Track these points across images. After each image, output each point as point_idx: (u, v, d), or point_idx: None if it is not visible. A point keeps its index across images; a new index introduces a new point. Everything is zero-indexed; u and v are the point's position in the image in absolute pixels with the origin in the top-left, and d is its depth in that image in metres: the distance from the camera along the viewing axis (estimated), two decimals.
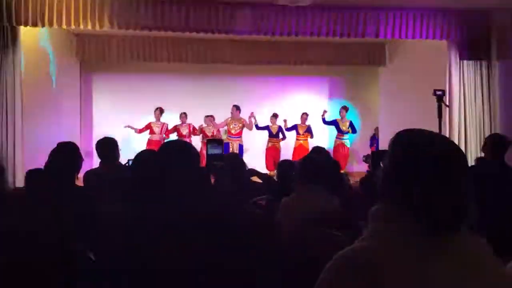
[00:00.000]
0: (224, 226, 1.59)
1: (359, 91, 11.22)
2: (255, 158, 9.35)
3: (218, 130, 9.89)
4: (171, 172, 1.80)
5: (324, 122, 9.99)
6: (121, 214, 2.11)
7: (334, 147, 9.95)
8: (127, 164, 4.69)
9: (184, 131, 9.73)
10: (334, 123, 10.05)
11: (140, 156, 2.78)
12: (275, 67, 10.22)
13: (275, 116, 10.14)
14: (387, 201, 1.19)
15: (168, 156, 1.87)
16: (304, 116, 10.14)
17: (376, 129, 10.77)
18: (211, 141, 3.81)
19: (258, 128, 9.90)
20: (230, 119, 9.80)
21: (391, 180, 1.19)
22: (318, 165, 3.23)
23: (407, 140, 1.21)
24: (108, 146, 3.99)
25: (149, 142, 9.44)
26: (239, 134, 9.76)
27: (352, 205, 3.65)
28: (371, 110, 10.92)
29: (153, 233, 1.56)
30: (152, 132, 9.60)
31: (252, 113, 9.74)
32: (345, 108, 10.08)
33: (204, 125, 9.85)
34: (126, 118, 10.33)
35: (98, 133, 9.39)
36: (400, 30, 7.32)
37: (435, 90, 5.83)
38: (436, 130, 5.67)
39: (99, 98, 10.69)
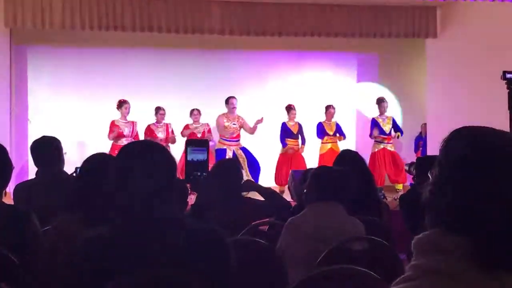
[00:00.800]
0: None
1: (399, 72, 11.23)
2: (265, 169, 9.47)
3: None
4: (126, 184, 1.85)
5: (371, 136, 10.00)
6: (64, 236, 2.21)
7: (372, 154, 9.91)
8: (74, 174, 4.68)
9: (160, 134, 9.75)
10: (373, 124, 10.03)
11: (91, 161, 2.80)
12: (284, 40, 10.22)
13: (291, 109, 10.09)
14: (438, 226, 1.18)
15: (128, 163, 1.90)
16: (331, 110, 10.19)
17: (423, 126, 10.78)
18: (192, 142, 3.81)
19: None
20: (226, 115, 9.79)
21: (445, 197, 1.18)
22: (334, 175, 3.27)
23: (473, 140, 1.20)
24: (48, 148, 3.98)
25: (113, 148, 9.23)
26: (238, 137, 9.82)
27: (387, 232, 3.66)
28: (415, 100, 10.93)
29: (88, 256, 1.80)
30: (120, 135, 9.46)
31: (262, 118, 9.67)
32: (383, 101, 10.04)
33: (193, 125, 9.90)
34: (73, 107, 10.35)
35: (35, 129, 9.40)
36: None
37: (505, 72, 5.84)
38: (506, 126, 5.68)
39: (36, 79, 10.69)
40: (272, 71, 11.18)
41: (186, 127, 9.88)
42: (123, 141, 9.17)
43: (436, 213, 1.20)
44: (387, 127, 9.92)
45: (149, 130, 9.74)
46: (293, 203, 4.62)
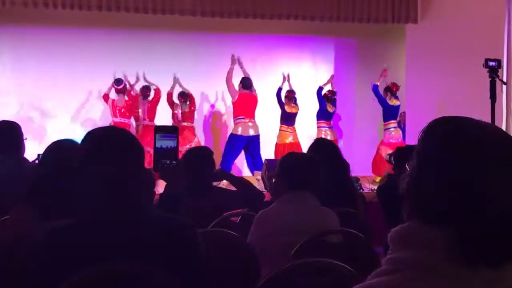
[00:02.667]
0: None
1: (377, 59, 11.29)
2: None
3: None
4: (89, 172, 1.85)
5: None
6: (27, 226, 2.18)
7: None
8: (36, 161, 4.64)
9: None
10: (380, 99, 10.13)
11: (53, 147, 2.77)
12: (260, 23, 10.20)
13: (291, 94, 10.20)
14: (416, 218, 1.19)
15: (92, 150, 1.89)
16: (329, 94, 10.40)
17: (402, 115, 10.86)
18: (161, 129, 3.79)
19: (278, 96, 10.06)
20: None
21: (423, 189, 1.19)
22: (302, 162, 3.23)
23: (453, 131, 1.21)
24: (7, 134, 3.95)
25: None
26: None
27: (364, 224, 3.69)
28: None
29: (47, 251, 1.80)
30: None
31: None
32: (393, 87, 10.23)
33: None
34: (34, 91, 10.24)
35: None
36: None
37: (487, 60, 5.90)
38: (487, 116, 5.74)
39: None
40: (244, 55, 11.16)
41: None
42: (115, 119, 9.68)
43: (413, 205, 1.21)
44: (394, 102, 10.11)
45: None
46: (267, 194, 4.64)
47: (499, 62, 6.03)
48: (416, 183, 1.21)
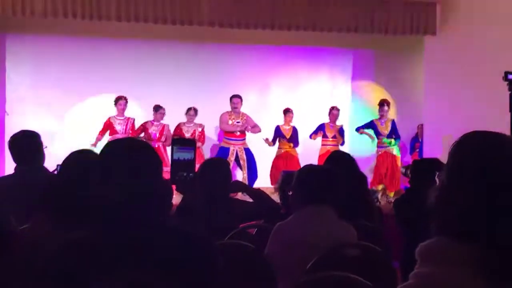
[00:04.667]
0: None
1: (395, 71, 11.26)
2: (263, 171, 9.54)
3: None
4: (108, 185, 1.85)
5: (358, 129, 10.19)
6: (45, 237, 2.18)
7: (378, 158, 10.05)
8: (55, 172, 4.66)
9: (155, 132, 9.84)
10: (371, 125, 10.12)
11: (72, 158, 2.80)
12: (275, 33, 10.21)
13: (288, 112, 10.26)
14: (444, 233, 1.19)
15: (111, 162, 1.89)
16: (335, 112, 10.35)
17: (420, 127, 10.81)
18: (179, 141, 3.81)
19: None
20: (230, 113, 9.88)
21: (454, 205, 1.19)
22: (320, 175, 3.22)
23: (487, 148, 1.20)
24: (27, 143, 3.97)
25: None
26: (243, 136, 9.91)
27: (381, 237, 3.67)
28: (412, 100, 10.97)
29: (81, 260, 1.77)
30: (113, 132, 9.63)
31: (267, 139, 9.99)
32: (386, 103, 10.14)
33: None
34: (53, 99, 10.31)
35: (13, 124, 9.36)
36: None
37: (507, 73, 5.86)
38: (506, 130, 5.71)
39: (15, 69, 10.64)
40: (263, 65, 11.20)
41: (178, 127, 9.94)
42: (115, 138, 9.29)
43: (443, 221, 1.20)
44: (385, 131, 10.00)
45: (143, 127, 9.88)
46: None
47: None
48: (446, 198, 1.21)
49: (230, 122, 9.83)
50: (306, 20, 9.78)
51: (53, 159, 4.85)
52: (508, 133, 5.62)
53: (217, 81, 10.78)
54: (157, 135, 9.71)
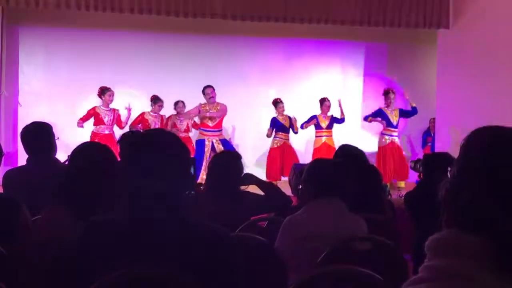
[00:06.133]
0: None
1: (407, 64, 11.21)
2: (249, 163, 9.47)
3: (195, 124, 10.01)
4: (136, 173, 1.83)
5: (366, 118, 10.13)
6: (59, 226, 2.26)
7: (380, 148, 9.99)
8: (67, 162, 4.68)
9: (153, 124, 9.83)
10: (380, 113, 10.08)
11: (82, 148, 2.82)
12: (285, 26, 10.20)
13: (278, 103, 10.16)
14: (454, 226, 1.19)
15: (139, 155, 1.87)
16: (327, 103, 10.25)
17: (432, 121, 10.76)
18: None
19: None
20: (204, 104, 9.82)
21: (464, 197, 1.19)
22: (330, 168, 3.22)
23: (496, 141, 1.20)
24: (39, 135, 3.98)
25: (93, 135, 9.42)
26: (219, 126, 9.86)
27: (392, 231, 3.67)
28: (424, 94, 10.92)
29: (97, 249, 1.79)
30: (98, 122, 9.58)
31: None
32: (391, 91, 10.08)
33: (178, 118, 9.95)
34: (66, 91, 10.36)
35: (26, 115, 9.41)
36: None
37: None
38: None
39: (28, 61, 10.70)
40: (273, 58, 11.19)
41: (140, 117, 9.94)
42: (103, 129, 9.48)
43: (454, 213, 1.20)
44: (395, 120, 9.95)
45: (141, 118, 9.88)
46: (294, 198, 4.63)
47: None
48: (456, 189, 1.21)
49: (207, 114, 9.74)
50: (319, 13, 9.76)
51: (64, 150, 4.90)
52: None
53: (228, 73, 10.77)
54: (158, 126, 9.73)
